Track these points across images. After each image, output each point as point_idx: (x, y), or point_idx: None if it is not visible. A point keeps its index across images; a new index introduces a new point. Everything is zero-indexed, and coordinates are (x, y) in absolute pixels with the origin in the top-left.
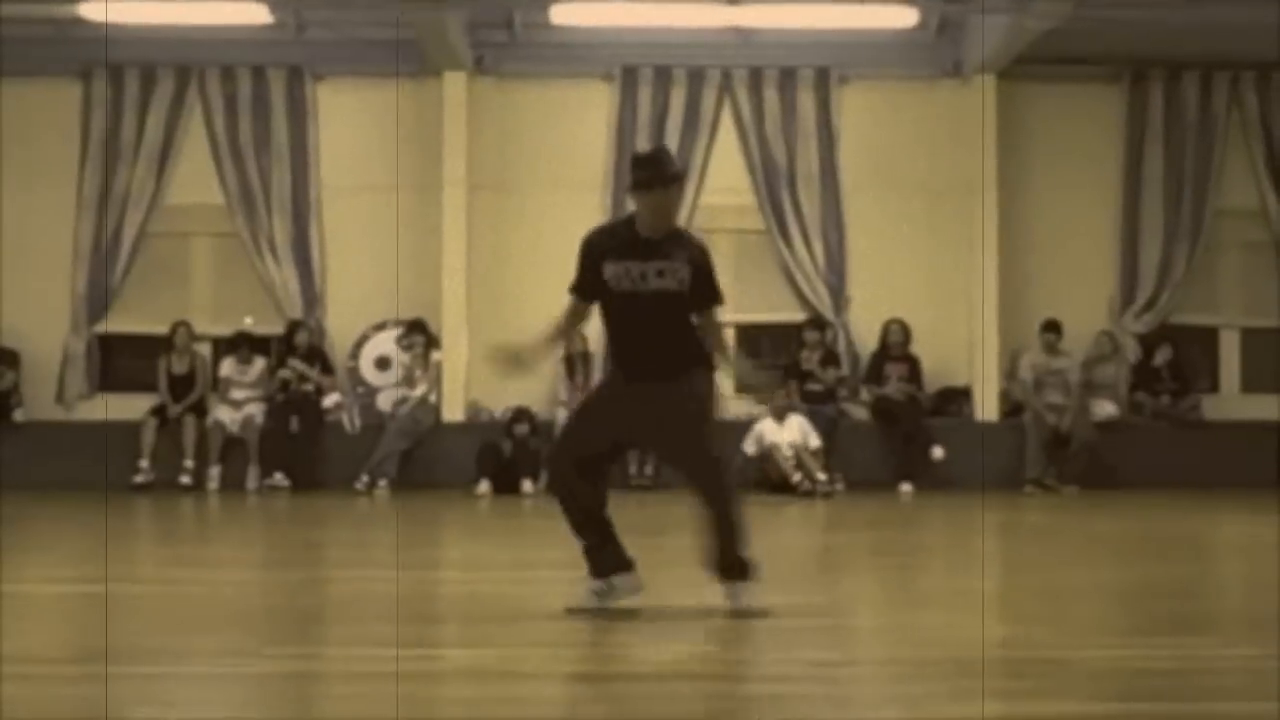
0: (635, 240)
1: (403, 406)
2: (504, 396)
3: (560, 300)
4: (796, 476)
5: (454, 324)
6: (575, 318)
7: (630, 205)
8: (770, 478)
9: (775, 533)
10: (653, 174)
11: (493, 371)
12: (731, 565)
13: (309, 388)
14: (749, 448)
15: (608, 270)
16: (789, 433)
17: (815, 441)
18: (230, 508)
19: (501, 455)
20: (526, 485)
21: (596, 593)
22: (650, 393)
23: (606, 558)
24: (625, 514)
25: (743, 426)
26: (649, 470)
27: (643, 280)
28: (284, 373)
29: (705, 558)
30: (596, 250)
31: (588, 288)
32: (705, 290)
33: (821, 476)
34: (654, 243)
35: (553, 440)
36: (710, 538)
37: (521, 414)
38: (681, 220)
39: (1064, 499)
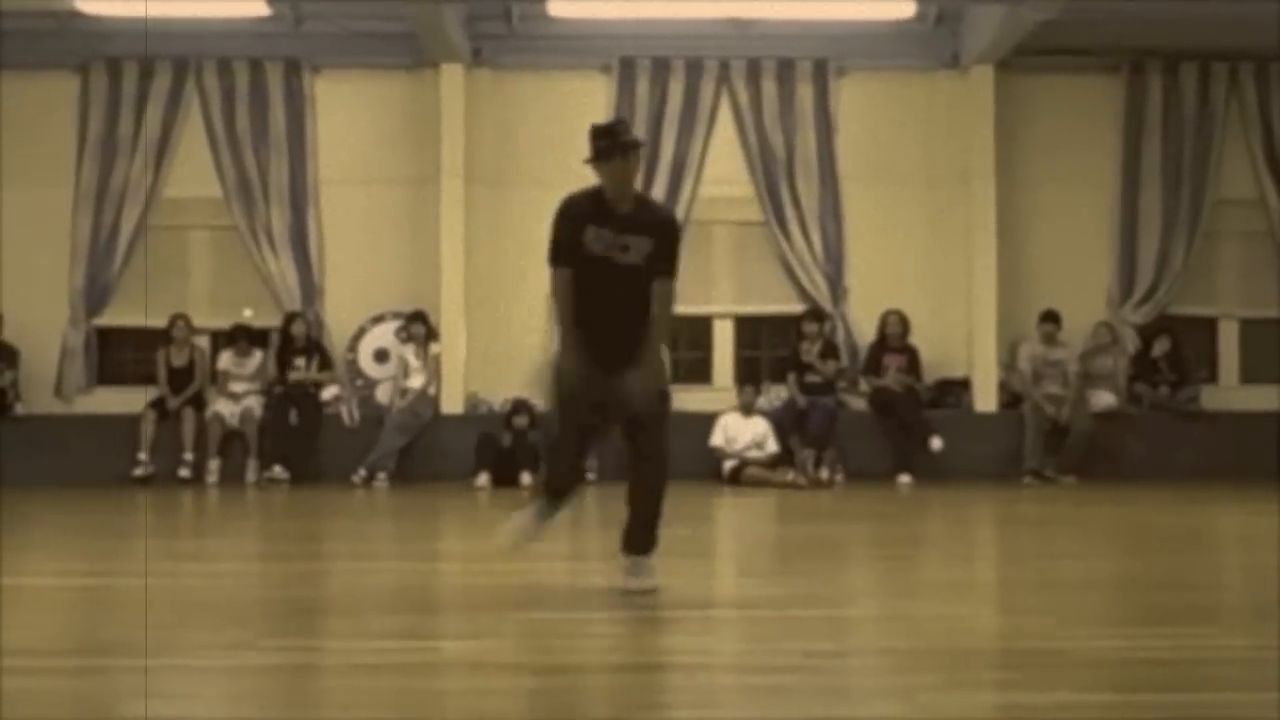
0: (610, 210)
1: (402, 400)
2: (503, 389)
3: None
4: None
5: (452, 316)
6: (570, 289)
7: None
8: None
9: (773, 523)
10: (610, 143)
11: (539, 387)
12: (651, 542)
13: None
14: (716, 440)
15: (589, 234)
16: (751, 430)
17: (773, 446)
18: (229, 500)
19: (500, 447)
20: (525, 477)
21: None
22: (611, 375)
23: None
24: (623, 506)
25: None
26: None
27: (621, 252)
28: (294, 375)
29: (629, 537)
30: (579, 214)
31: (571, 253)
32: (665, 261)
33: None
34: (625, 215)
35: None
36: (639, 520)
37: (520, 406)
38: (680, 211)
39: (1062, 490)
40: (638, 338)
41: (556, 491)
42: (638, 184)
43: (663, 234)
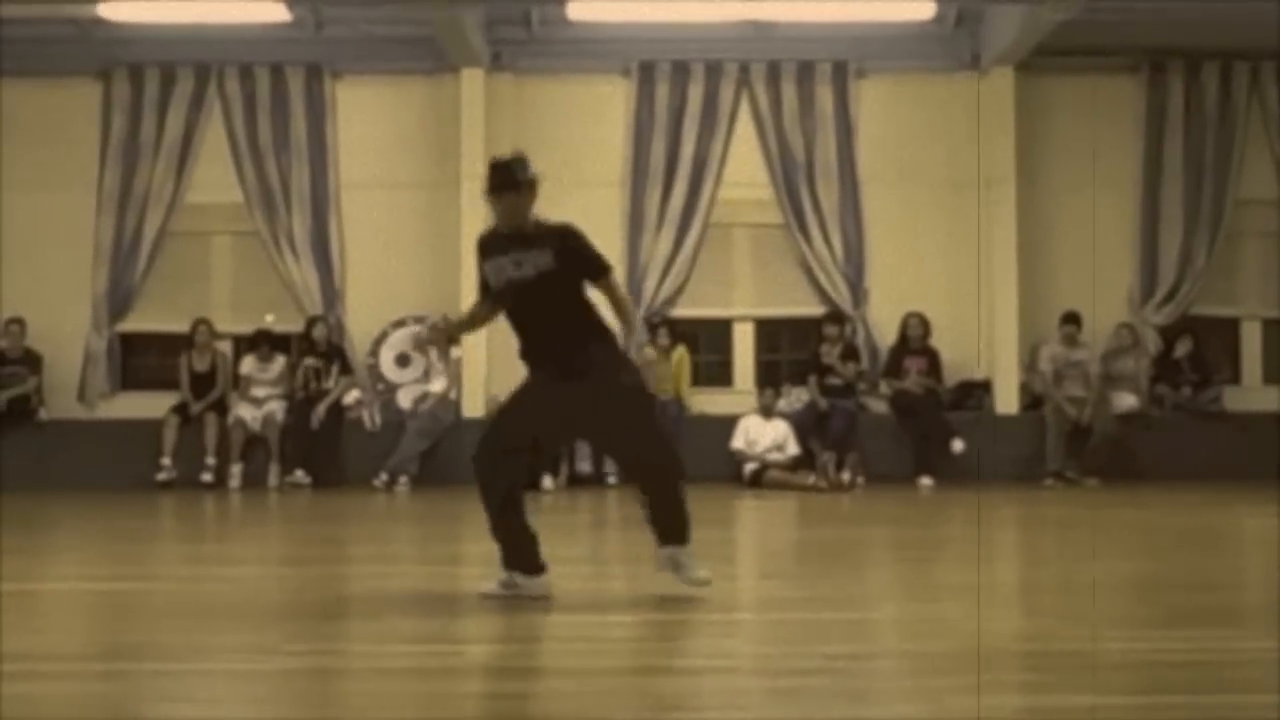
0: (501, 235)
1: (423, 404)
2: None
3: None
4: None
5: None
6: (476, 311)
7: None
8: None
9: (794, 526)
10: (500, 180)
11: (415, 341)
12: (686, 526)
13: (327, 384)
14: (737, 443)
15: (486, 268)
16: (772, 432)
17: (793, 449)
18: (251, 505)
19: None
20: (546, 481)
21: (504, 584)
22: (561, 390)
23: (518, 555)
24: (632, 509)
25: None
26: None
27: (505, 272)
28: (310, 361)
29: (660, 526)
30: (479, 249)
31: (482, 285)
32: (585, 265)
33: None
34: (514, 236)
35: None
36: (660, 507)
37: None
38: (700, 214)
39: (1084, 491)
40: (572, 349)
41: (491, 515)
42: (659, 186)
43: (566, 243)
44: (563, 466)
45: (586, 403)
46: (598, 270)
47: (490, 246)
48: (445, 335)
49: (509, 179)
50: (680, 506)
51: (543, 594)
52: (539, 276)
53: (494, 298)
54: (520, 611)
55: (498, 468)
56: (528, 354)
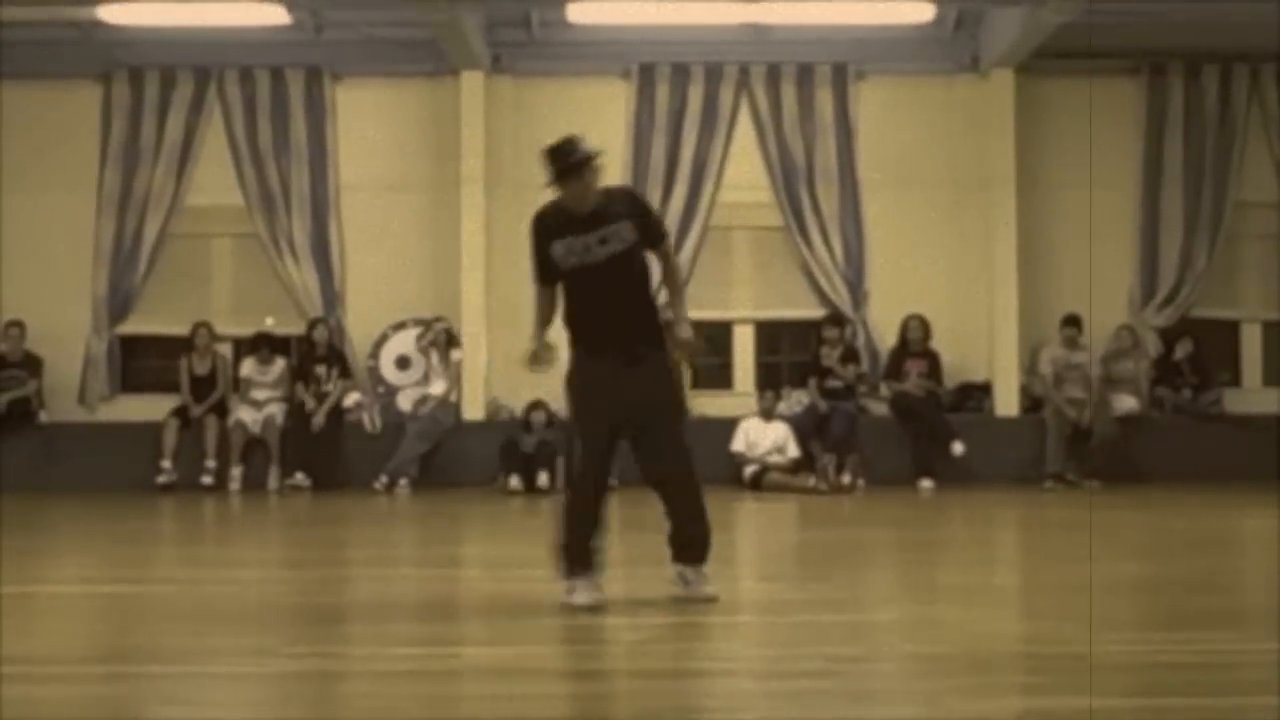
0: (571, 216)
1: (423, 406)
2: (524, 394)
3: None
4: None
5: (473, 322)
6: (546, 304)
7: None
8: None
9: (794, 529)
10: (566, 164)
11: (528, 369)
12: (705, 546)
13: (327, 387)
14: (737, 445)
15: (556, 250)
16: (773, 434)
17: (793, 451)
18: (252, 507)
19: (523, 452)
20: (543, 478)
21: (569, 592)
22: (625, 375)
23: (581, 559)
24: (644, 511)
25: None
26: None
27: (588, 252)
28: (328, 387)
29: (679, 544)
30: (543, 234)
31: (549, 270)
32: (652, 231)
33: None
34: (590, 215)
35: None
36: (684, 523)
37: (538, 405)
38: (700, 216)
39: (1085, 494)
40: (643, 329)
41: (574, 520)
42: (659, 188)
43: (636, 207)
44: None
45: (644, 389)
46: (661, 235)
47: (560, 227)
48: (548, 349)
49: (574, 161)
50: (704, 517)
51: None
52: (623, 252)
53: (561, 279)
54: (519, 614)
55: (598, 476)
56: (593, 338)
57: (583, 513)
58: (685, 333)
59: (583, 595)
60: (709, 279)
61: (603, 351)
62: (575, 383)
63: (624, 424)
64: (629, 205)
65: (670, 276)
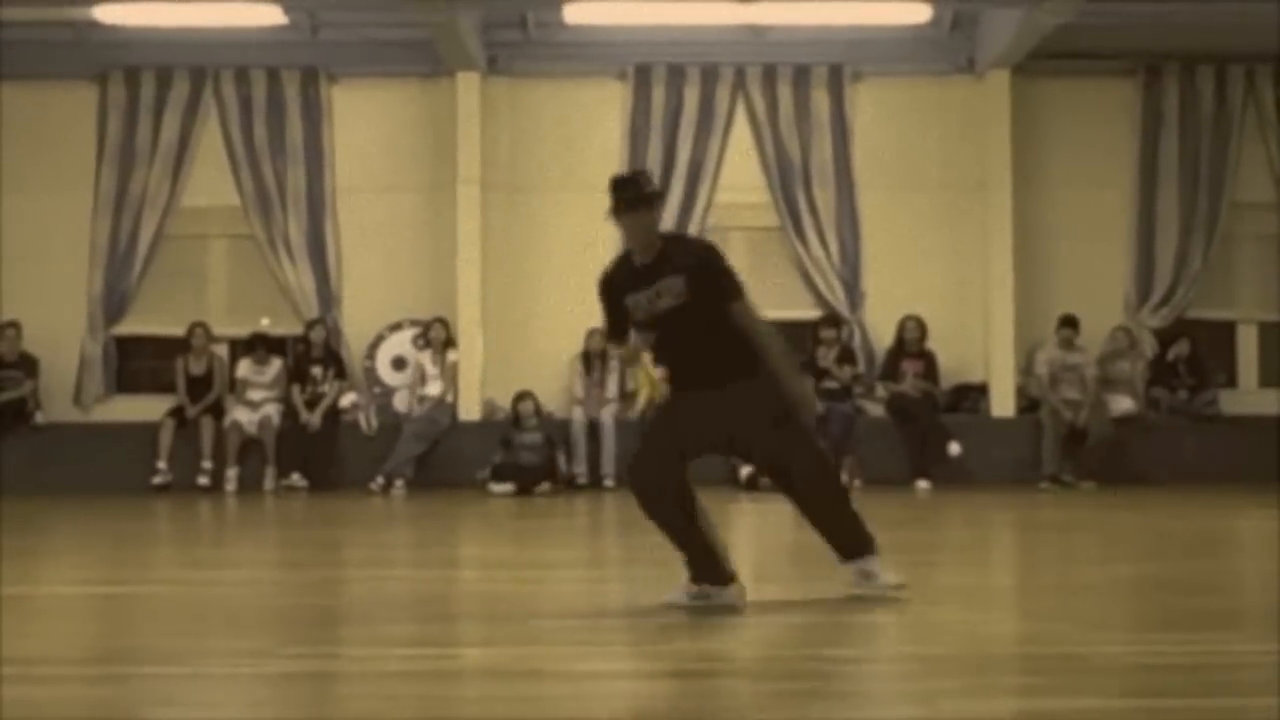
0: (635, 268)
1: (420, 407)
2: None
3: (574, 299)
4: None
5: (469, 323)
6: (630, 356)
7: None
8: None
9: (790, 529)
10: (631, 195)
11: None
12: (860, 539)
13: (323, 388)
14: None
15: (629, 303)
16: None
17: None
18: (248, 508)
19: (515, 447)
20: (544, 486)
21: (693, 596)
22: (711, 399)
23: (704, 567)
24: (632, 511)
25: None
26: None
27: (650, 305)
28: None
29: (835, 545)
30: (613, 288)
31: (617, 326)
32: (715, 289)
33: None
34: (649, 266)
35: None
36: (822, 526)
37: (525, 395)
38: (696, 217)
39: (1081, 494)
40: (725, 369)
41: (671, 530)
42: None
43: (703, 264)
44: (560, 469)
45: (734, 408)
46: (728, 295)
47: (625, 283)
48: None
49: (639, 194)
50: (848, 514)
51: (735, 604)
52: (677, 307)
53: (639, 328)
54: (515, 615)
55: (658, 484)
56: (676, 378)
57: (677, 524)
58: (794, 390)
59: (721, 597)
60: None
61: (686, 386)
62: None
63: (709, 444)
64: (694, 259)
65: (753, 338)
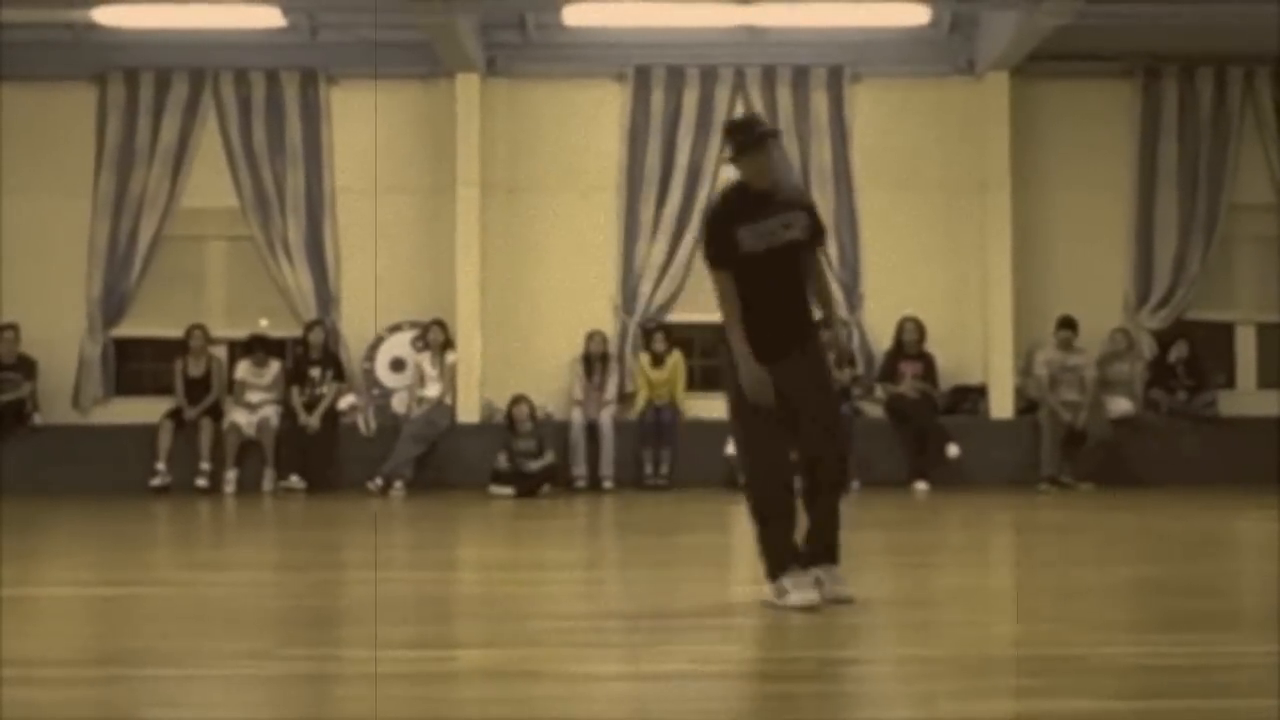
0: (753, 197)
1: (418, 409)
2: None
3: (573, 300)
4: None
5: (468, 325)
6: (734, 296)
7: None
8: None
9: None
10: (752, 135)
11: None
12: (834, 547)
13: (321, 390)
14: (732, 448)
15: (742, 235)
16: None
17: None
18: (246, 510)
19: (514, 450)
20: (545, 489)
21: (777, 591)
22: (786, 364)
23: (787, 557)
24: (640, 513)
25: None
26: (664, 470)
27: (773, 236)
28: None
29: (817, 545)
30: (726, 218)
31: (728, 254)
32: (820, 225)
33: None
34: (768, 197)
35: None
36: (819, 518)
37: (520, 399)
38: (694, 220)
39: (1079, 496)
40: (803, 321)
41: (768, 516)
42: (654, 191)
43: (809, 207)
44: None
45: (801, 374)
46: (822, 238)
47: (748, 210)
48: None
49: (760, 132)
50: (838, 518)
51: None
52: (802, 241)
53: (742, 263)
54: (514, 616)
55: (780, 466)
56: (760, 326)
57: (775, 509)
58: (845, 340)
59: (796, 595)
60: (704, 282)
61: (761, 339)
62: (735, 376)
63: (785, 409)
64: (802, 197)
65: (823, 283)
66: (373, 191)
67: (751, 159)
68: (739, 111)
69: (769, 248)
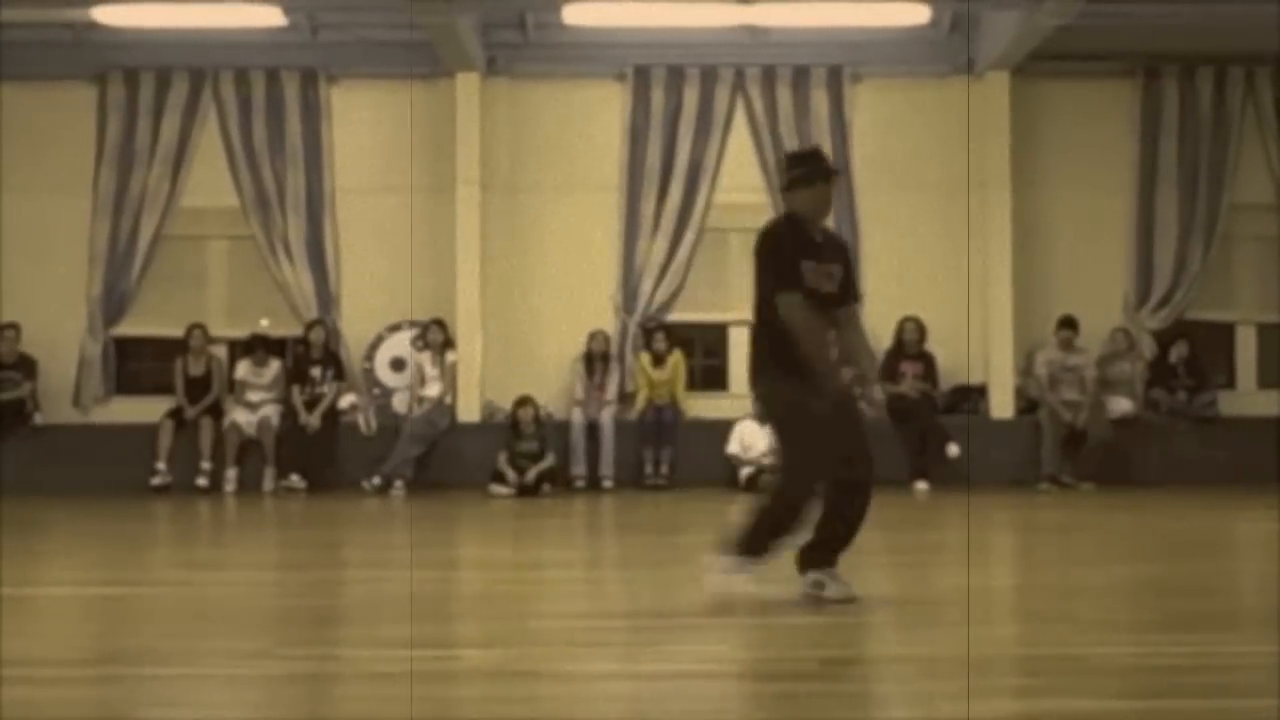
0: (809, 237)
1: (418, 408)
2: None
3: (573, 299)
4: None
5: (468, 324)
6: (814, 319)
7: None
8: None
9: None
10: (813, 169)
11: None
12: (838, 553)
13: (321, 389)
14: (732, 447)
15: (805, 267)
16: (767, 436)
17: None
18: (247, 509)
19: (514, 451)
20: (545, 488)
21: (814, 584)
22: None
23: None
24: (640, 513)
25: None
26: (664, 470)
27: (819, 282)
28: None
29: (826, 545)
30: (793, 245)
31: (797, 277)
32: (855, 286)
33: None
34: (822, 244)
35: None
36: (840, 531)
37: (525, 401)
38: (696, 218)
39: (1080, 496)
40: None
41: (788, 527)
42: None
43: (848, 259)
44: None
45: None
46: (857, 294)
47: (804, 246)
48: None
49: (825, 168)
50: (853, 535)
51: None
52: (836, 292)
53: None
54: (514, 616)
55: (811, 489)
56: (791, 361)
57: (797, 525)
58: (878, 397)
59: (834, 588)
60: (705, 281)
61: (791, 373)
62: (791, 406)
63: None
64: (845, 249)
65: (858, 343)
66: (373, 191)
67: (813, 194)
68: (739, 112)
69: (816, 290)
